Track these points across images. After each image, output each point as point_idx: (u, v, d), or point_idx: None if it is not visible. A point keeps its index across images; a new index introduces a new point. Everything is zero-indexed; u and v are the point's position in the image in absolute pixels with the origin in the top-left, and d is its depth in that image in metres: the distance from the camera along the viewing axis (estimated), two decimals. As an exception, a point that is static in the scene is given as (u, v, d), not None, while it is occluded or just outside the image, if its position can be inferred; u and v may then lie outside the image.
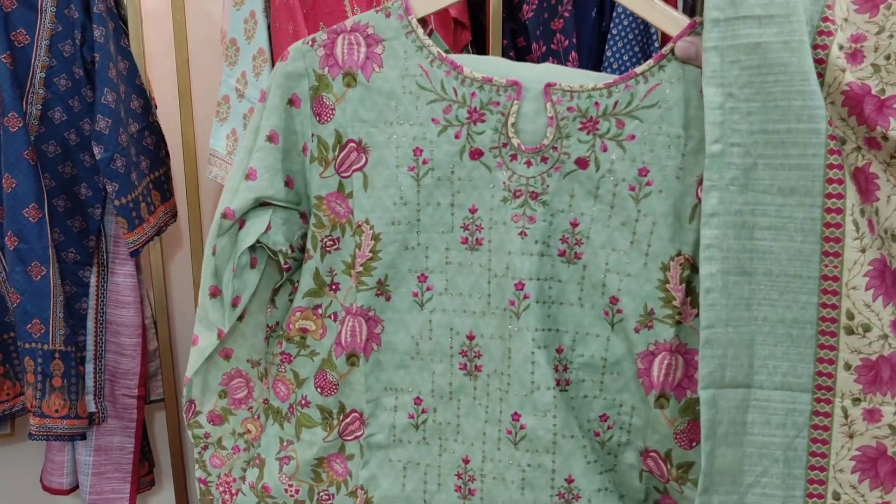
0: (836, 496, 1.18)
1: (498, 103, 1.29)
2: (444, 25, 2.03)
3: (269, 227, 1.37)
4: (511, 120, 1.28)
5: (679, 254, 1.26)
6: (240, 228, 1.38)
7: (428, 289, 1.37)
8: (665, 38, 1.99)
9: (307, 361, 1.45)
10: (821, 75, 1.14)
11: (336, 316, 1.41)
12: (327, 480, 1.47)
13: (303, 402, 1.45)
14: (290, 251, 1.40)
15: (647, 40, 1.98)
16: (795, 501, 1.20)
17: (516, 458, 1.35)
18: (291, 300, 1.46)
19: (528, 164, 1.29)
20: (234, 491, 1.53)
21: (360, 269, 1.36)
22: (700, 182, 1.20)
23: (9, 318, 2.14)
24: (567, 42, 1.99)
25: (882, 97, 1.11)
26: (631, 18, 1.97)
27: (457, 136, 1.31)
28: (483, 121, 1.30)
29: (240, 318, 1.43)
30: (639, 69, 1.25)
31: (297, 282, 1.43)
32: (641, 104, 1.25)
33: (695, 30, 1.22)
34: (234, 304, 1.39)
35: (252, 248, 1.38)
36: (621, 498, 1.37)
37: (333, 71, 1.33)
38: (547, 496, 1.35)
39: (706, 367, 1.18)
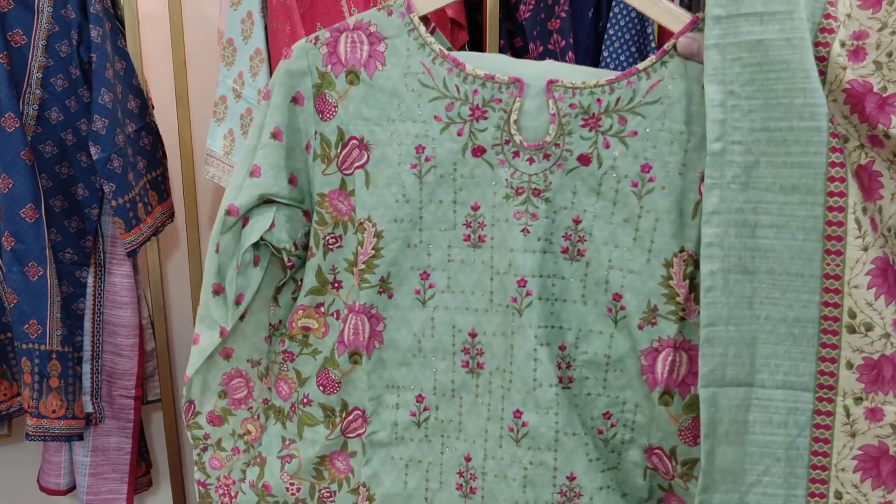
0: (839, 495, 1.18)
1: (500, 100, 1.29)
2: (441, 25, 2.03)
3: (272, 225, 1.37)
4: (513, 117, 1.28)
5: (682, 250, 1.26)
6: (243, 226, 1.38)
7: (430, 286, 1.37)
8: (662, 39, 2.00)
9: (309, 360, 1.45)
10: (822, 73, 1.13)
11: (338, 314, 1.41)
12: (329, 478, 1.47)
13: (305, 400, 1.45)
14: (293, 249, 1.40)
15: (643, 40, 1.98)
16: (797, 500, 1.19)
17: (518, 456, 1.35)
18: (295, 298, 1.46)
19: (531, 161, 1.29)
20: (233, 493, 1.52)
21: (363, 266, 1.36)
22: (703, 178, 1.20)
23: (6, 318, 2.13)
24: (564, 42, 1.99)
25: (884, 95, 1.11)
26: (628, 19, 1.97)
27: (459, 134, 1.31)
28: (485, 118, 1.30)
29: (241, 317, 1.43)
30: (641, 65, 1.25)
31: (300, 280, 1.43)
32: (644, 100, 1.25)
33: (697, 26, 1.22)
34: (238, 302, 1.39)
35: (255, 246, 1.38)
36: (624, 496, 1.37)
37: (336, 69, 1.33)
38: (549, 494, 1.35)
39: (706, 366, 1.18)
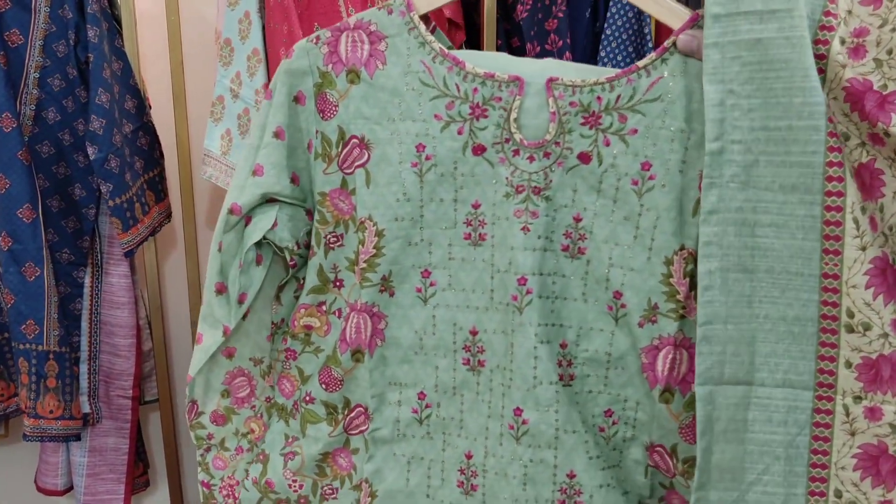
0: (839, 494, 1.18)
1: (500, 99, 1.29)
2: (438, 25, 2.02)
3: (275, 224, 1.37)
4: (513, 115, 1.28)
5: (682, 248, 1.26)
6: (246, 225, 1.38)
7: (431, 284, 1.37)
8: (659, 40, 2.00)
9: (312, 358, 1.45)
10: (822, 71, 1.13)
11: (340, 312, 1.42)
12: (331, 475, 1.48)
13: (307, 398, 1.45)
14: (295, 248, 1.40)
15: (640, 40, 1.98)
16: (797, 499, 1.19)
17: (518, 454, 1.34)
18: (297, 297, 1.46)
19: (531, 159, 1.29)
20: (237, 494, 1.52)
21: (364, 265, 1.36)
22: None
23: (3, 318, 2.13)
24: (561, 42, 1.99)
25: (884, 93, 1.10)
26: (625, 19, 1.97)
27: (459, 132, 1.31)
28: (485, 116, 1.30)
29: (244, 316, 1.42)
30: (641, 63, 1.25)
31: (303, 279, 1.44)
32: (644, 98, 1.25)
33: (697, 23, 1.22)
34: (240, 301, 1.39)
35: (258, 245, 1.38)
36: (625, 494, 1.37)
37: (337, 68, 1.34)
38: (549, 492, 1.35)
39: (703, 364, 1.18)
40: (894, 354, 1.14)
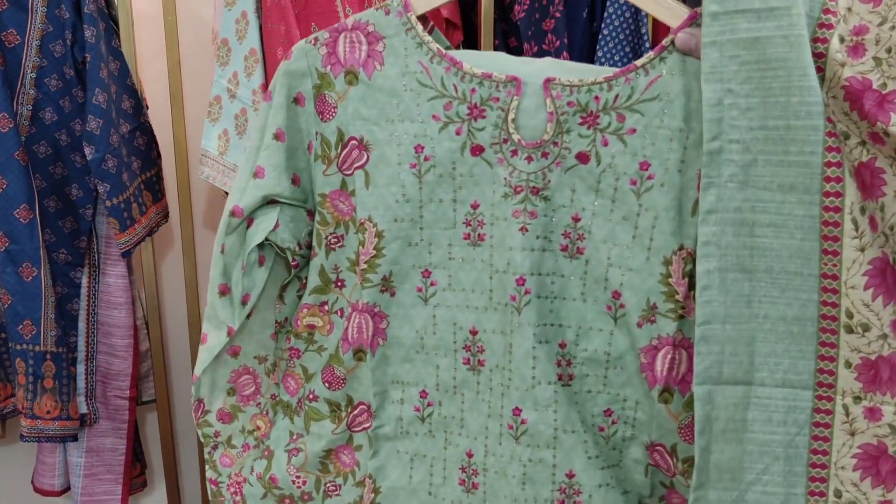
0: (838, 494, 1.17)
1: (498, 99, 1.28)
2: (436, 25, 2.02)
3: (276, 225, 1.37)
4: (511, 115, 1.28)
5: (681, 248, 1.26)
6: (248, 227, 1.39)
7: (431, 284, 1.37)
8: (656, 40, 2.00)
9: (315, 357, 1.45)
10: (821, 69, 1.13)
11: (342, 312, 1.42)
12: (334, 471, 1.48)
13: (311, 396, 1.46)
14: (297, 248, 1.41)
15: (638, 40, 1.98)
16: (797, 499, 1.19)
17: (517, 453, 1.35)
18: (300, 296, 1.46)
19: (529, 159, 1.29)
20: (243, 490, 1.52)
21: (365, 266, 1.36)
22: (703, 176, 1.20)
23: (0, 319, 2.13)
24: (558, 42, 1.99)
25: (883, 92, 1.09)
26: (622, 19, 1.97)
27: (457, 133, 1.31)
28: (483, 117, 1.29)
29: (247, 316, 1.43)
30: (639, 62, 1.25)
31: (305, 278, 1.44)
32: (642, 97, 1.24)
33: (695, 21, 1.22)
34: (244, 302, 1.40)
35: (260, 246, 1.38)
36: (624, 493, 1.37)
37: (335, 69, 1.34)
38: (548, 491, 1.35)
39: (702, 363, 1.18)
40: (893, 356, 1.14)
